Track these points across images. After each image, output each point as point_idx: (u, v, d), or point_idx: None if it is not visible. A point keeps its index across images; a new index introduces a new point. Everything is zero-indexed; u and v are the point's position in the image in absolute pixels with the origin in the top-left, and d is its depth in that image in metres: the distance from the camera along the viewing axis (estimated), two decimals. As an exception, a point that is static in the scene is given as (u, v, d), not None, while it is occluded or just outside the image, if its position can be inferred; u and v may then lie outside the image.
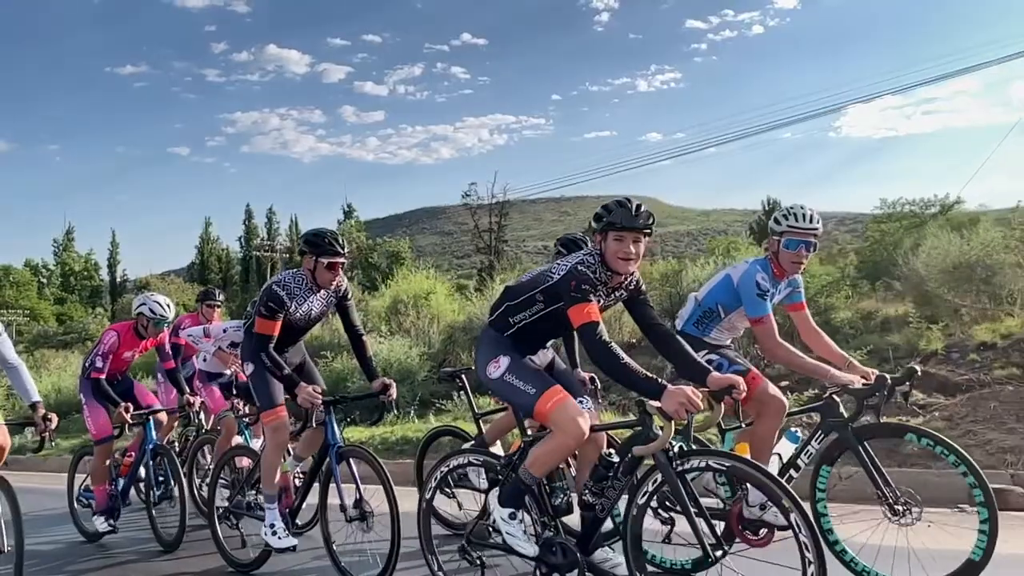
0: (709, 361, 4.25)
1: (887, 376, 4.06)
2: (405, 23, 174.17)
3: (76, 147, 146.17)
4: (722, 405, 3.42)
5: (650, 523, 3.55)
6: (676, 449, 3.25)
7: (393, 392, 4.71)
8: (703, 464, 3.25)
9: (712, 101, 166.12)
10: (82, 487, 6.36)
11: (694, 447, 3.41)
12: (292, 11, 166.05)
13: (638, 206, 3.49)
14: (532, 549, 3.53)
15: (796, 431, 4.35)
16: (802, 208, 4.24)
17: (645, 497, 3.30)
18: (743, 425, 3.92)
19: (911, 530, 3.83)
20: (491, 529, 3.70)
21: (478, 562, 3.76)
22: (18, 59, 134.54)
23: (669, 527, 4.24)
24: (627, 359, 3.28)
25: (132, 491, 6.31)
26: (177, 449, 6.66)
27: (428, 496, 3.97)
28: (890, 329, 10.80)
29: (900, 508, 3.87)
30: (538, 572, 3.57)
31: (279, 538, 4.69)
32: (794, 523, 2.95)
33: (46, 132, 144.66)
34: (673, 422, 3.13)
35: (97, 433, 5.99)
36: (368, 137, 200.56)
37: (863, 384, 4.07)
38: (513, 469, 3.63)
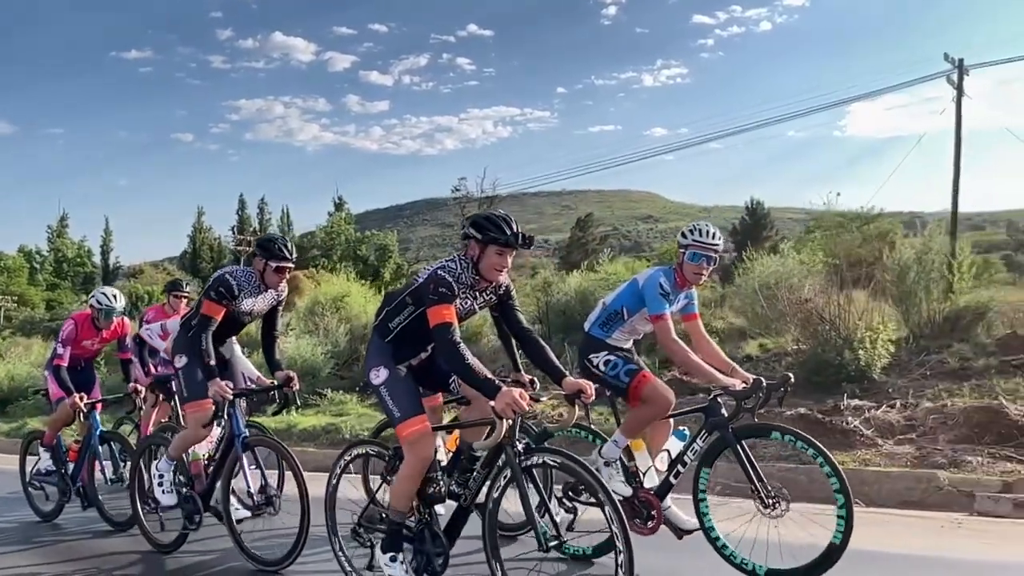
0: (607, 361, 4.61)
1: (763, 380, 4.38)
2: (412, 13, 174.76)
3: (79, 131, 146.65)
4: (575, 407, 3.76)
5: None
6: (521, 446, 3.59)
7: (295, 384, 5.10)
8: (541, 460, 3.60)
9: (718, 97, 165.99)
10: (33, 470, 6.67)
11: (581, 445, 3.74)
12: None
13: (518, 227, 3.83)
14: None
15: (684, 430, 4.68)
16: (706, 225, 4.61)
17: (499, 491, 3.64)
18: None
19: (780, 521, 4.13)
20: (381, 515, 4.01)
21: (369, 544, 4.08)
22: (23, 42, 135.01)
23: (572, 516, 4.58)
24: (471, 360, 3.57)
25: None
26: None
27: (335, 482, 4.31)
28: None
29: (770, 502, 4.18)
30: (413, 559, 3.89)
31: (163, 491, 5.16)
32: (608, 515, 3.34)
33: (49, 116, 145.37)
34: (505, 420, 3.45)
35: (54, 394, 6.38)
36: (372, 127, 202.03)
37: (742, 387, 4.37)
38: (395, 471, 3.96)
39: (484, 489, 3.71)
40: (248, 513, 5.00)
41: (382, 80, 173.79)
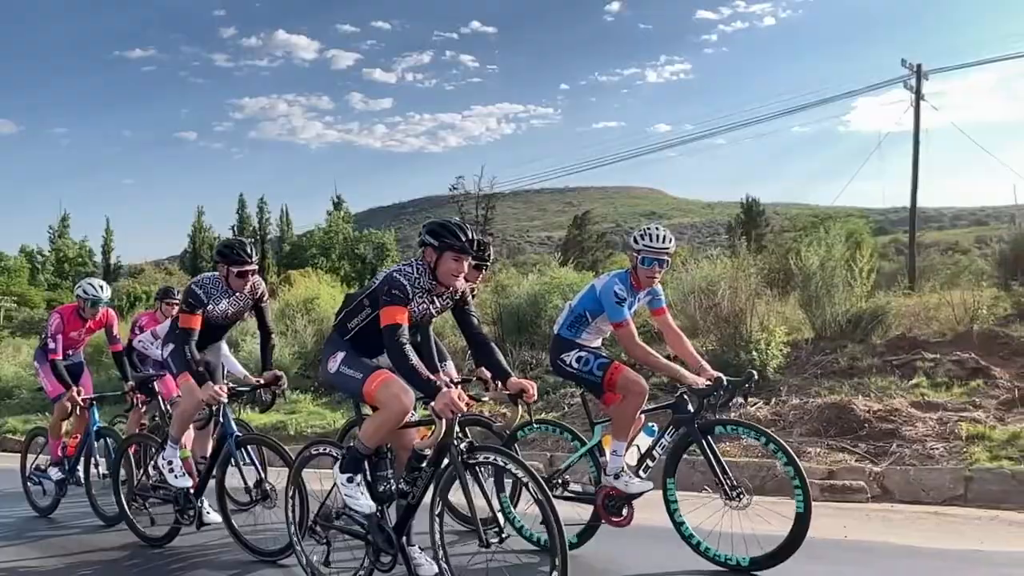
0: (579, 358, 4.79)
1: (723, 378, 4.56)
2: (415, 10, 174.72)
3: (83, 130, 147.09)
4: (518, 407, 3.95)
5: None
6: (464, 445, 3.77)
7: (284, 383, 5.30)
8: (482, 458, 3.78)
9: (722, 92, 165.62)
10: (32, 466, 6.89)
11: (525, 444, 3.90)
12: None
13: (472, 234, 4.04)
14: (369, 506, 3.95)
15: (652, 426, 4.85)
16: (657, 230, 4.77)
17: (443, 487, 3.78)
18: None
19: (744, 513, 4.32)
20: (336, 512, 4.16)
21: (325, 541, 4.22)
22: (27, 41, 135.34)
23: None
24: (415, 361, 3.73)
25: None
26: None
27: (291, 484, 4.45)
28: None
29: (734, 495, 4.37)
30: (366, 554, 4.05)
31: (175, 476, 5.28)
32: (545, 514, 3.49)
33: (54, 115, 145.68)
34: (444, 419, 3.62)
35: (52, 391, 6.61)
36: (376, 124, 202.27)
37: (705, 385, 4.54)
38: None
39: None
40: (219, 518, 5.17)
41: (385, 77, 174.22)
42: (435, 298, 4.09)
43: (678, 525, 4.59)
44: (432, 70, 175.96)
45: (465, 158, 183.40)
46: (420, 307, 4.04)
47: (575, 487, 4.91)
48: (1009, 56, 37.20)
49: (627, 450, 4.75)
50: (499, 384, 4.03)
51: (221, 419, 5.14)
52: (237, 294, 5.32)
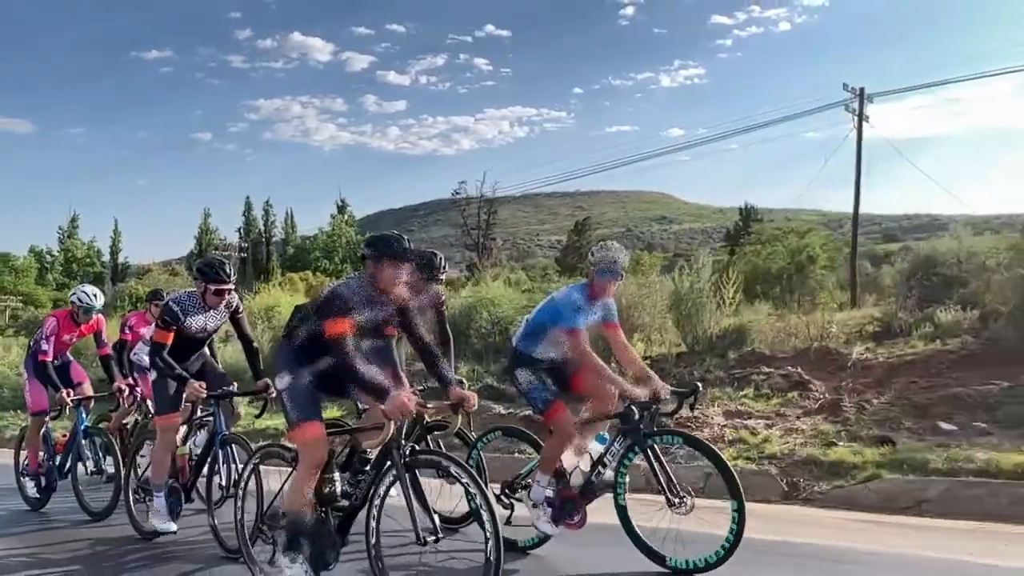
0: (530, 382, 5.04)
1: (663, 390, 4.79)
2: (429, 13, 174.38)
3: (99, 131, 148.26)
4: (458, 415, 4.22)
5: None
6: (407, 449, 3.97)
7: (273, 391, 5.35)
8: (426, 460, 4.01)
9: (736, 97, 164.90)
10: (25, 462, 7.17)
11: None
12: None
13: (409, 243, 4.26)
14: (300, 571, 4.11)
15: (604, 434, 5.08)
16: (612, 245, 5.04)
17: (384, 488, 3.99)
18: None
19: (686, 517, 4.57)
20: (282, 512, 4.32)
21: (271, 540, 4.39)
22: (44, 42, 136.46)
23: (510, 511, 5.07)
24: (361, 368, 3.93)
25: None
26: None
27: (243, 483, 4.69)
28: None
29: (676, 500, 4.60)
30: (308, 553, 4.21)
31: (163, 522, 5.55)
32: (479, 506, 3.73)
33: (70, 115, 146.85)
34: (393, 421, 3.84)
35: (33, 406, 6.93)
36: (389, 127, 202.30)
37: (652, 396, 4.76)
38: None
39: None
40: (174, 527, 5.49)
41: (399, 80, 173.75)
42: (378, 306, 4.27)
43: (628, 528, 4.80)
44: (446, 73, 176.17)
45: (478, 161, 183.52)
46: (364, 316, 4.22)
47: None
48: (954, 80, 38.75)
49: (582, 457, 4.99)
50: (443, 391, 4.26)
51: (212, 418, 5.43)
52: (213, 310, 5.56)
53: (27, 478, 7.00)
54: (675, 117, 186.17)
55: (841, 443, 7.22)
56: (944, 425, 7.49)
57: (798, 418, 8.18)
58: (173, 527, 5.57)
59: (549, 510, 4.87)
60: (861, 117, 27.88)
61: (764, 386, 9.21)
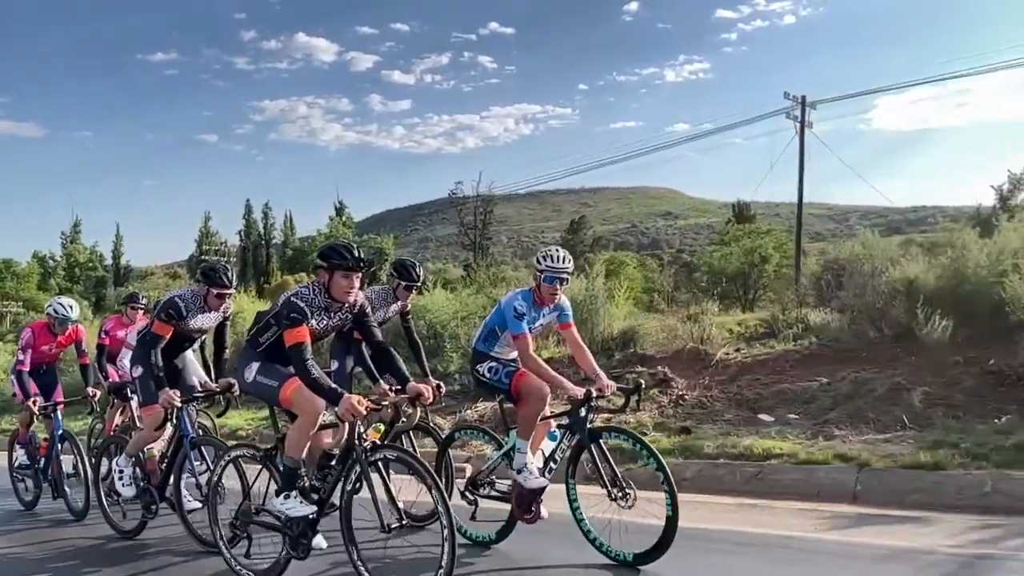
0: (490, 368, 5.26)
1: (592, 392, 4.97)
2: (433, 12, 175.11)
3: (106, 133, 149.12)
4: (417, 410, 4.48)
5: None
6: (368, 445, 4.22)
7: (236, 389, 5.68)
8: (384, 456, 4.26)
9: (741, 91, 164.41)
10: (16, 464, 7.48)
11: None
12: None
13: (359, 252, 4.46)
14: (311, 509, 4.35)
15: (555, 431, 5.29)
16: (557, 251, 5.24)
17: (351, 483, 4.25)
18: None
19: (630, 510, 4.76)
20: (255, 509, 4.61)
21: (245, 536, 4.65)
22: (52, 45, 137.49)
23: (474, 507, 5.32)
24: (316, 374, 4.17)
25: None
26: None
27: (215, 480, 4.90)
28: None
29: (620, 495, 4.79)
30: (285, 542, 4.49)
31: (124, 485, 5.90)
32: (435, 500, 3.98)
33: (78, 118, 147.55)
34: (347, 423, 4.12)
35: (20, 399, 7.17)
36: (394, 126, 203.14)
37: (586, 393, 4.96)
38: (272, 459, 4.59)
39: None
40: (200, 504, 5.61)
41: (404, 79, 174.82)
42: (333, 314, 4.52)
43: (579, 522, 5.03)
44: (450, 71, 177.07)
45: (483, 159, 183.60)
46: (320, 323, 4.47)
47: (501, 486, 5.34)
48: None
49: (536, 453, 5.19)
50: (400, 388, 4.52)
51: (178, 421, 5.64)
52: (212, 312, 5.86)
53: (19, 448, 7.28)
54: (681, 112, 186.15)
55: (649, 432, 8.04)
56: (764, 416, 8.38)
57: (640, 411, 8.67)
58: (132, 492, 5.91)
59: (536, 468, 5.04)
60: (803, 124, 30.46)
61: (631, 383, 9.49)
